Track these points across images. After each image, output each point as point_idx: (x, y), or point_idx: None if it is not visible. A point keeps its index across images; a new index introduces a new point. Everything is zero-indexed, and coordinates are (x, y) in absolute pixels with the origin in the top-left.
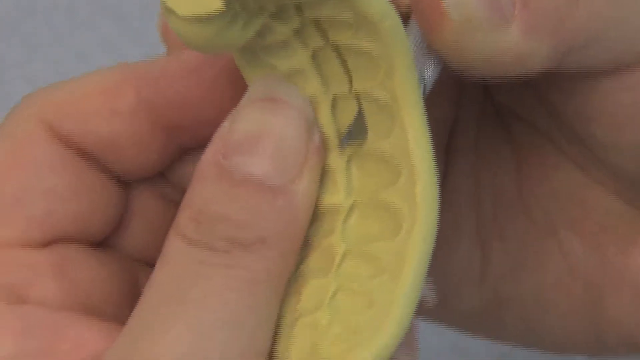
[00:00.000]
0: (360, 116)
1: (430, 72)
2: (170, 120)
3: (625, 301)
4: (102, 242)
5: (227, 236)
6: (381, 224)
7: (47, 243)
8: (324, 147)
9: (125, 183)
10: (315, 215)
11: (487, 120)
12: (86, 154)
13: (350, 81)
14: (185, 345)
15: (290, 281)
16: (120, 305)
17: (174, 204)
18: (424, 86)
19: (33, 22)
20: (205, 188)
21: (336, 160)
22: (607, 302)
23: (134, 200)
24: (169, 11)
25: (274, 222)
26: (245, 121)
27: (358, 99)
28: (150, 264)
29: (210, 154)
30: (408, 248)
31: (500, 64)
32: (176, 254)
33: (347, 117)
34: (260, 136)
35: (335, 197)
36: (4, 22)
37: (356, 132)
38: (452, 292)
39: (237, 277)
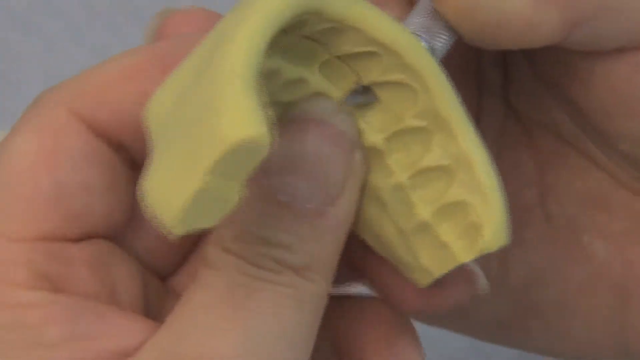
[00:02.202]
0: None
1: (442, 43)
2: None
3: None
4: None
5: (274, 258)
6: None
7: (83, 238)
8: (365, 164)
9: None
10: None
11: (509, 130)
12: (117, 144)
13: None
14: (241, 349)
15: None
16: (139, 303)
17: None
18: (435, 57)
19: (50, 18)
20: (248, 207)
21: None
22: (632, 306)
23: None
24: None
25: (316, 247)
26: (288, 141)
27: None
28: (153, 267)
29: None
30: (437, 102)
31: (508, 32)
32: (225, 265)
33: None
34: (302, 157)
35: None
36: (21, 18)
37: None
38: (472, 300)
39: (288, 295)
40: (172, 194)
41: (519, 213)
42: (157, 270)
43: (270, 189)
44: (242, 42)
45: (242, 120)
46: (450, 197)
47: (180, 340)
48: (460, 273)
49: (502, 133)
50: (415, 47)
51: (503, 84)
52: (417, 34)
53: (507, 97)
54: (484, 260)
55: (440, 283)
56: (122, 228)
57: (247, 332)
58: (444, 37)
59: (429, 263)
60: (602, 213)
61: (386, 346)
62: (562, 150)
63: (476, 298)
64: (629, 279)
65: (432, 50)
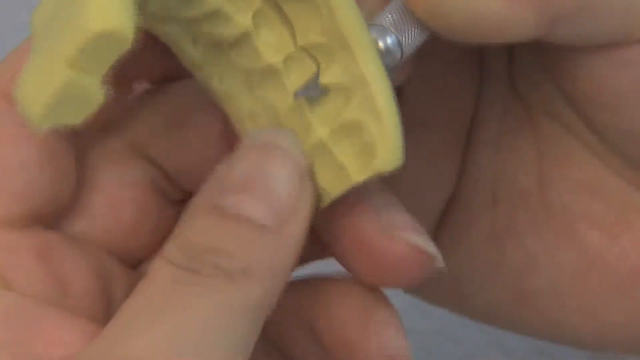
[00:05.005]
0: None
1: (413, 39)
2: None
3: None
4: (67, 227)
5: (212, 263)
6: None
7: (25, 220)
8: (314, 195)
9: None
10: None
11: (511, 114)
12: None
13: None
14: (160, 351)
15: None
16: (95, 299)
17: (134, 185)
18: (401, 52)
19: None
20: (196, 222)
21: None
22: (626, 294)
23: (93, 178)
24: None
25: (259, 256)
26: (245, 161)
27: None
28: (114, 251)
29: (205, 194)
30: (338, 20)
31: (482, 30)
32: (161, 273)
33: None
34: (256, 178)
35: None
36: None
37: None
38: (467, 284)
39: (218, 301)
40: (37, 89)
41: (516, 198)
42: (126, 258)
43: (221, 205)
44: None
45: (106, 11)
46: (346, 117)
47: (112, 344)
48: (416, 253)
49: (504, 117)
50: None
51: (508, 66)
52: (387, 29)
53: (511, 81)
54: (483, 242)
55: (397, 262)
56: (68, 206)
57: (172, 334)
58: (415, 33)
59: (326, 183)
60: (597, 202)
61: (364, 323)
62: (561, 138)
63: (471, 282)
64: (623, 267)
65: (401, 46)
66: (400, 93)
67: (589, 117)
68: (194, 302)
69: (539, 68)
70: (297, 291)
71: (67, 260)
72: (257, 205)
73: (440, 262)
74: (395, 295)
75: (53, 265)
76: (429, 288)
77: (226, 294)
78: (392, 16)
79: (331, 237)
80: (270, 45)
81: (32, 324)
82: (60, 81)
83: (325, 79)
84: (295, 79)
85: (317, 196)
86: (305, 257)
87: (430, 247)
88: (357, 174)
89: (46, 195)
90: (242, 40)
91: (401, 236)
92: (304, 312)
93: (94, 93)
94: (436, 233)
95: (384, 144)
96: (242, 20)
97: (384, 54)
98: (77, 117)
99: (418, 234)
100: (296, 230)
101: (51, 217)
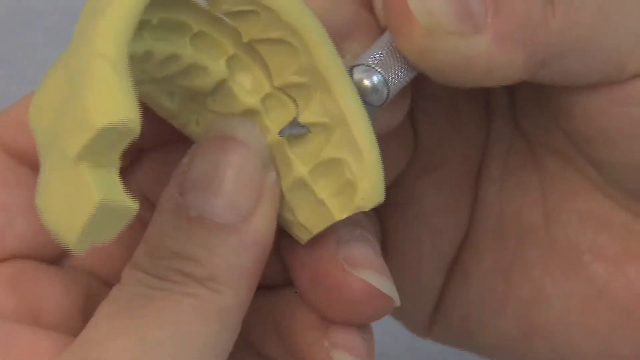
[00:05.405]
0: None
1: (399, 78)
2: None
3: None
4: (57, 258)
5: (179, 270)
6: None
7: (3, 258)
8: (279, 185)
9: None
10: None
11: (516, 151)
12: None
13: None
14: (131, 354)
15: None
16: (72, 320)
17: None
18: (388, 90)
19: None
20: (161, 223)
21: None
22: (633, 323)
23: None
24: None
25: (225, 260)
26: (202, 158)
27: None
28: (102, 278)
29: (169, 189)
30: (316, 60)
31: (469, 72)
32: (130, 280)
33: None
34: (215, 174)
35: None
36: (50, 27)
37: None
38: (476, 319)
39: (191, 305)
40: (64, 210)
41: (522, 232)
42: (110, 281)
43: (184, 205)
44: (110, 22)
45: (108, 103)
46: (326, 154)
47: (86, 350)
48: (371, 293)
49: (508, 154)
50: (292, 5)
51: (511, 106)
52: (372, 67)
53: (515, 119)
54: (490, 278)
55: (352, 300)
56: (53, 247)
57: (139, 338)
58: (402, 72)
59: (305, 220)
60: (602, 234)
61: (321, 329)
62: (564, 173)
63: (481, 317)
64: (630, 297)
65: (387, 84)
66: (417, 136)
67: (587, 152)
68: (165, 307)
69: (538, 106)
70: (267, 295)
71: (40, 284)
72: (216, 203)
73: (397, 301)
74: None
75: (23, 289)
76: (437, 329)
77: (196, 299)
78: (378, 55)
79: (292, 267)
80: (246, 88)
81: (6, 340)
82: (91, 205)
83: (304, 118)
84: (275, 117)
85: (297, 231)
86: (275, 283)
87: (387, 287)
88: (339, 211)
89: (26, 237)
90: (219, 86)
91: (358, 274)
92: (271, 314)
93: (127, 207)
94: (449, 270)
95: (365, 181)
96: (218, 68)
97: (370, 92)
98: (112, 232)
99: (376, 272)
100: (261, 222)
101: (31, 252)
